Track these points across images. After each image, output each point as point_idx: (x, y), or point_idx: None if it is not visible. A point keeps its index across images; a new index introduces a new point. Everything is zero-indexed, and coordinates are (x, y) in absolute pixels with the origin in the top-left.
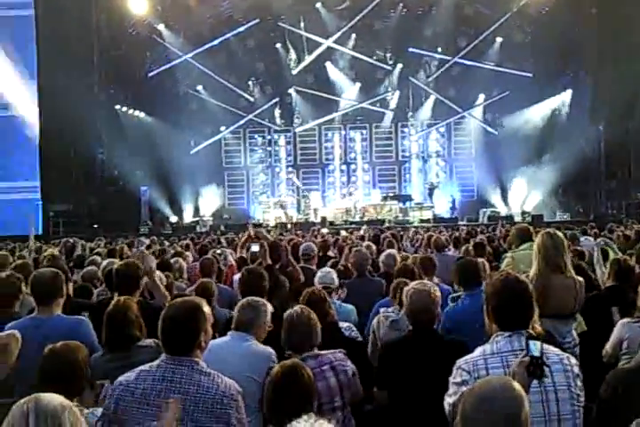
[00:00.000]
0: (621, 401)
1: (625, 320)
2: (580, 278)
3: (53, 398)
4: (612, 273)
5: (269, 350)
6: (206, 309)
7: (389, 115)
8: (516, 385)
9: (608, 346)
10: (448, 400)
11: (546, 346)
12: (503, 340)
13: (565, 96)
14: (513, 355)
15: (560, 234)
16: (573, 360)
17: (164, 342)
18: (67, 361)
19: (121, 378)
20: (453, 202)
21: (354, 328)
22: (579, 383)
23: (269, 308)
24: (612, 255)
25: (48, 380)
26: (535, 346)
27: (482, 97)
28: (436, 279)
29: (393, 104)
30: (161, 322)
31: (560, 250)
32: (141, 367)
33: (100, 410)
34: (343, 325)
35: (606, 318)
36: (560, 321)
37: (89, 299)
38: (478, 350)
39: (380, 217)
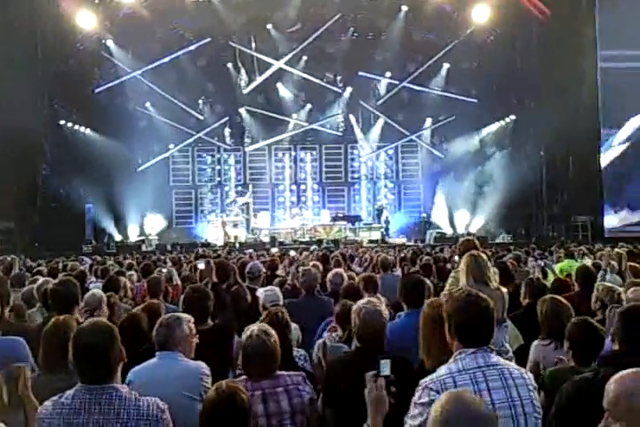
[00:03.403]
0: (577, 410)
1: (536, 342)
2: (504, 289)
3: None
4: (527, 292)
5: (199, 364)
6: (114, 328)
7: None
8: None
9: (528, 367)
10: (411, 423)
11: (505, 361)
12: (468, 357)
13: (509, 121)
14: (480, 371)
15: (483, 255)
16: (530, 375)
17: (78, 371)
18: None
19: (39, 410)
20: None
21: (307, 358)
22: (537, 396)
23: (187, 321)
24: (550, 276)
25: None
26: (386, 365)
27: (429, 121)
28: (382, 298)
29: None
30: (72, 349)
31: (483, 267)
32: (56, 398)
33: None
34: (296, 353)
35: (526, 334)
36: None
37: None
38: (443, 369)
39: (329, 237)
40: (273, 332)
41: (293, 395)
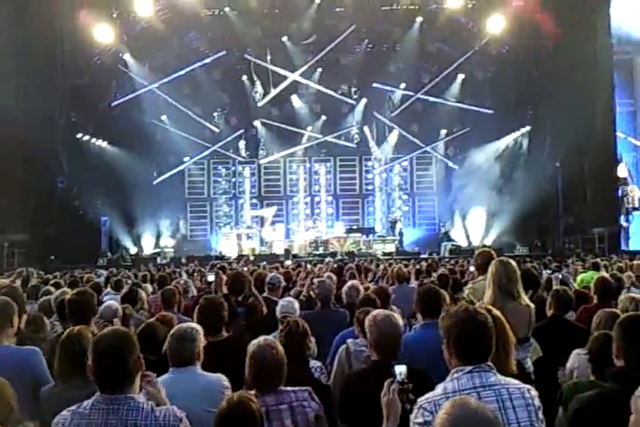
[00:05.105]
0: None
1: (577, 351)
2: (532, 305)
3: None
4: (553, 303)
5: (220, 377)
6: (134, 336)
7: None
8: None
9: (566, 373)
10: None
11: (507, 380)
12: (464, 376)
13: (524, 133)
14: (475, 392)
15: (512, 262)
16: (534, 392)
17: (96, 380)
18: None
19: (55, 419)
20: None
21: (323, 370)
22: (540, 416)
23: (197, 330)
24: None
25: None
26: (401, 370)
27: (444, 132)
28: (396, 310)
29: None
30: (91, 355)
31: (512, 278)
32: (74, 408)
33: None
34: (314, 364)
35: (549, 346)
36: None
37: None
38: (440, 388)
39: (343, 249)
40: (279, 345)
41: (297, 412)
